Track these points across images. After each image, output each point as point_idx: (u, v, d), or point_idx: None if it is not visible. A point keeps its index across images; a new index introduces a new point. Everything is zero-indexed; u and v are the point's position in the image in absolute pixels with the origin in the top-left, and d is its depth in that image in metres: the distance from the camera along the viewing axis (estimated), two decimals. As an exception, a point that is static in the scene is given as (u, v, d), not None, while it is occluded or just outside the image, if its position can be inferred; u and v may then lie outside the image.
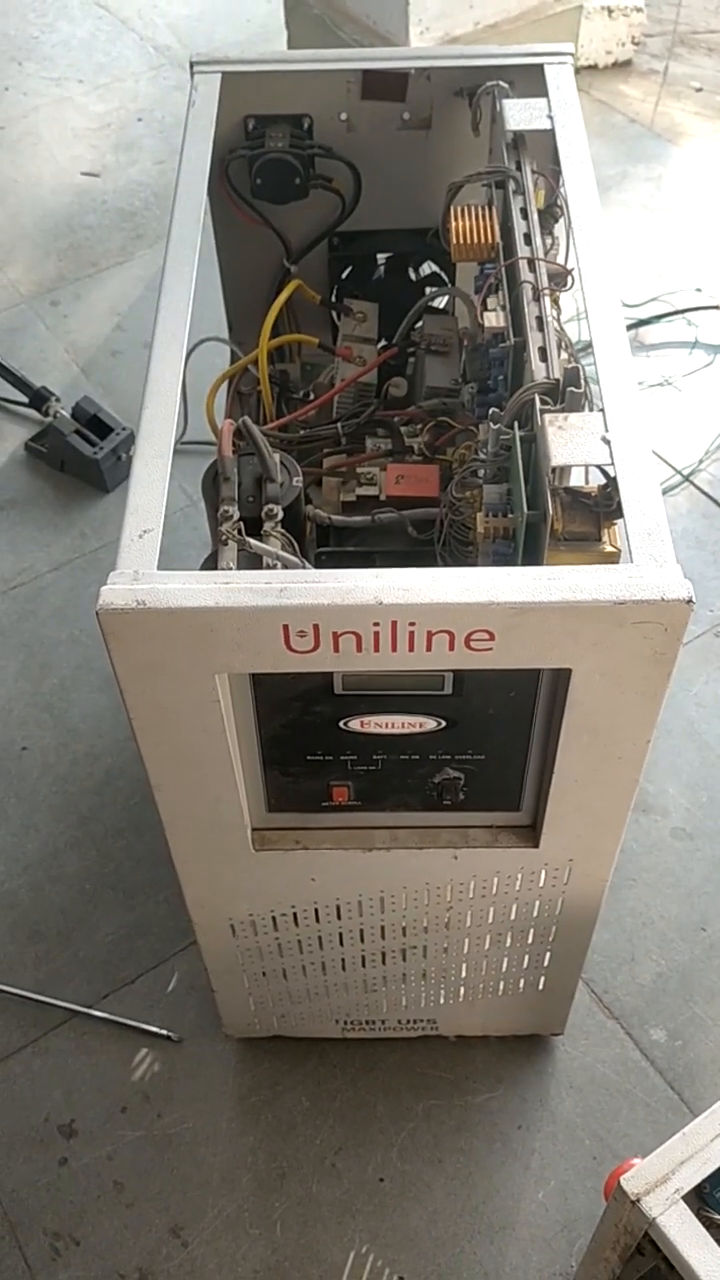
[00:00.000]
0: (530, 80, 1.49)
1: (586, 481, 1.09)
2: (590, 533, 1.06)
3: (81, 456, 2.38)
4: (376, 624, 0.98)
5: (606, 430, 1.08)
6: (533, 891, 1.34)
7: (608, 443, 1.07)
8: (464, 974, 1.52)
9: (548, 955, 1.48)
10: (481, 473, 1.18)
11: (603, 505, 1.07)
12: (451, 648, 1.00)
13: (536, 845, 1.27)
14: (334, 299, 1.69)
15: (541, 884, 1.33)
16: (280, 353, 1.62)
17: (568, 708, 1.07)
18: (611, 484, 1.05)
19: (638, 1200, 0.98)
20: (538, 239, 1.32)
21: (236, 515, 1.14)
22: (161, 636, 0.99)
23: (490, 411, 1.19)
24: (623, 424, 1.08)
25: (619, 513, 1.04)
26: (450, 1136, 1.62)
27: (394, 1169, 1.60)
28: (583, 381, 1.14)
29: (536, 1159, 1.60)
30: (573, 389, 1.13)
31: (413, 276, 1.72)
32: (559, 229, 1.40)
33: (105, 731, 2.08)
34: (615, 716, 1.08)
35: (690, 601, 0.96)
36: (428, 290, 1.70)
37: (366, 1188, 1.59)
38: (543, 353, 1.20)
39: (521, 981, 1.54)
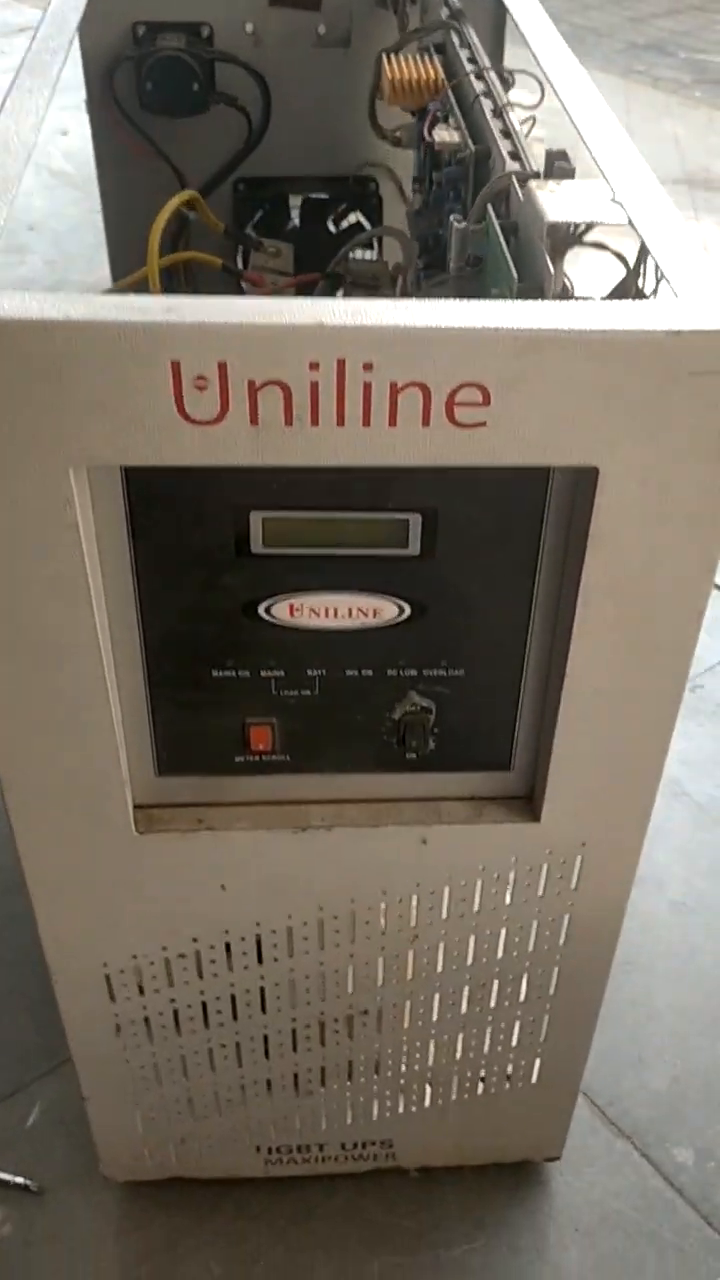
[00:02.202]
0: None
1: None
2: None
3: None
4: (314, 364, 0.65)
5: (615, 196, 0.80)
6: (530, 904, 0.97)
7: (619, 204, 0.79)
8: (431, 1058, 1.11)
9: (546, 1022, 1.09)
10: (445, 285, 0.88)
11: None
12: (426, 421, 0.67)
13: (536, 819, 0.91)
14: (241, 232, 1.42)
15: (542, 887, 0.95)
16: (171, 279, 1.32)
17: (590, 548, 0.73)
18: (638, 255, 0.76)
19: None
20: (492, 78, 1.07)
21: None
22: (-17, 384, 0.64)
23: (451, 218, 0.90)
24: (637, 191, 0.80)
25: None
26: (417, 1307, 1.17)
27: None
28: (573, 163, 0.86)
29: (538, 1333, 1.15)
30: (562, 164, 0.85)
31: (332, 229, 1.47)
32: (516, 93, 1.15)
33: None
34: (657, 563, 0.74)
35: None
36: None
37: None
38: (514, 155, 0.93)
39: (509, 1069, 1.13)
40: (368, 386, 0.65)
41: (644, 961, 1.46)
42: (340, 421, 0.67)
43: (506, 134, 0.96)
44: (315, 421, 0.67)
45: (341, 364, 0.65)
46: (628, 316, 0.65)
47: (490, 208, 0.85)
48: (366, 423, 0.67)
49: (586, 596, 0.76)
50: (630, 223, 0.76)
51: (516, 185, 0.85)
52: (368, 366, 0.65)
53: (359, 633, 0.82)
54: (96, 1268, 1.19)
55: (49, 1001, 1.38)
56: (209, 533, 0.77)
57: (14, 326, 0.62)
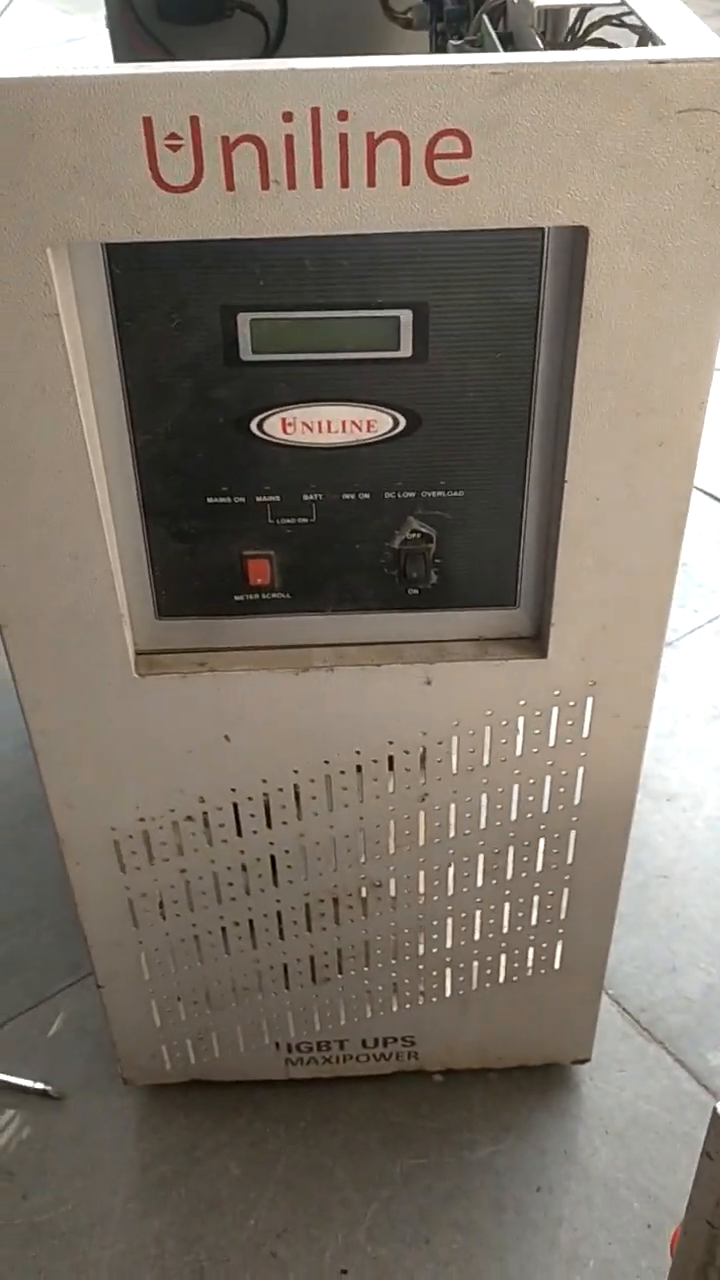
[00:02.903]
0: None
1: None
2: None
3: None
4: (288, 115, 0.64)
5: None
6: (541, 755, 0.94)
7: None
8: (449, 939, 1.08)
9: (565, 897, 1.05)
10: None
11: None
12: (406, 178, 0.66)
13: (543, 655, 0.88)
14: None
15: (553, 735, 0.93)
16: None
17: (584, 323, 0.71)
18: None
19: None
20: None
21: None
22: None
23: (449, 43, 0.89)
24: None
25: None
26: (441, 1206, 1.13)
27: (361, 1255, 1.10)
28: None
29: (567, 1231, 1.11)
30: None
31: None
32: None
33: (-12, 743, 1.66)
34: (655, 341, 0.72)
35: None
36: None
37: (323, 1283, 1.09)
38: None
39: (530, 954, 1.10)
40: (344, 139, 0.64)
41: (679, 874, 1.42)
42: (318, 182, 0.66)
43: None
44: (292, 184, 0.66)
45: (316, 113, 0.63)
46: (609, 54, 0.64)
47: (486, 19, 0.83)
48: (345, 183, 0.66)
49: (584, 384, 0.73)
50: (626, 4, 0.74)
51: None
52: (343, 115, 0.64)
53: (354, 449, 0.81)
54: (115, 1168, 1.17)
55: (71, 920, 1.37)
56: (197, 338, 0.76)
57: (-16, 80, 0.62)
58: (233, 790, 0.95)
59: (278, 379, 0.78)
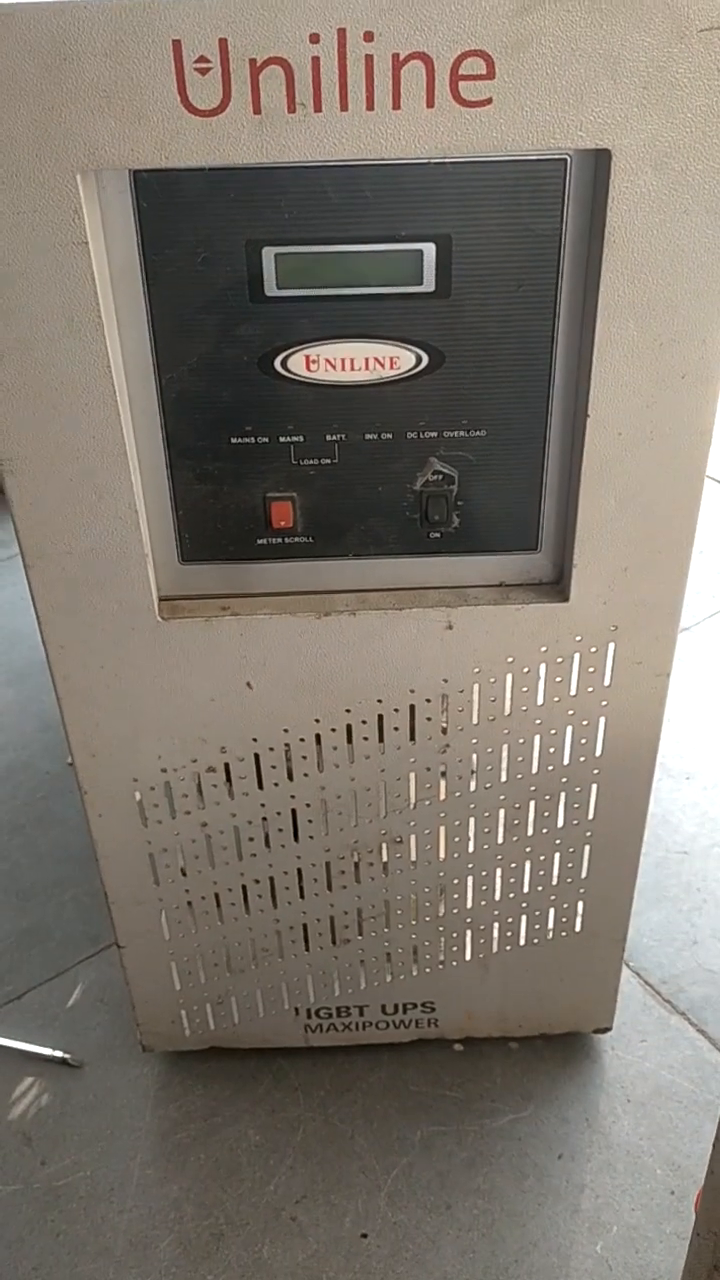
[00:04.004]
0: None
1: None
2: None
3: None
4: (314, 36, 0.65)
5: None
6: (563, 704, 0.94)
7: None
8: (470, 899, 1.08)
9: (586, 856, 1.05)
10: None
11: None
12: (430, 100, 0.67)
13: (565, 599, 0.89)
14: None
15: (575, 684, 0.93)
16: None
17: (607, 249, 0.72)
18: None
19: None
20: None
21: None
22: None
23: None
24: None
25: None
26: (462, 1173, 1.13)
27: (382, 1220, 1.09)
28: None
29: (589, 1197, 1.10)
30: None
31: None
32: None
33: (9, 725, 1.67)
34: (679, 268, 0.73)
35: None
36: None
37: (344, 1247, 1.08)
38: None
39: (551, 916, 1.10)
40: (369, 60, 0.65)
41: (699, 849, 1.42)
42: (343, 105, 0.66)
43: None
44: (318, 106, 0.67)
45: (342, 34, 0.65)
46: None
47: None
48: (370, 106, 0.67)
49: (607, 314, 0.74)
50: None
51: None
52: (368, 37, 0.65)
53: (377, 387, 0.81)
54: (133, 1135, 1.17)
55: (92, 893, 1.38)
56: (223, 273, 0.77)
57: (15, 14, 0.63)
58: (254, 740, 0.96)
59: (302, 315, 0.79)
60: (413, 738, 0.96)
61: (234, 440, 0.84)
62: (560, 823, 1.02)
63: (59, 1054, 1.23)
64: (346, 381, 0.81)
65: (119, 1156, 1.15)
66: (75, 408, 0.78)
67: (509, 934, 1.11)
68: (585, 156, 0.72)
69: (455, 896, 1.08)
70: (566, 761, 0.98)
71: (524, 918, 1.10)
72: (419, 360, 0.80)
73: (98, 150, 0.68)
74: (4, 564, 1.99)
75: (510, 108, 0.67)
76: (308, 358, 0.80)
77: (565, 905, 1.09)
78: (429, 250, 0.76)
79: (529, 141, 0.68)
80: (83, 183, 0.70)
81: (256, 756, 0.97)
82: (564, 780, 0.99)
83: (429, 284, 0.77)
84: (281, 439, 0.84)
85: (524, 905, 1.09)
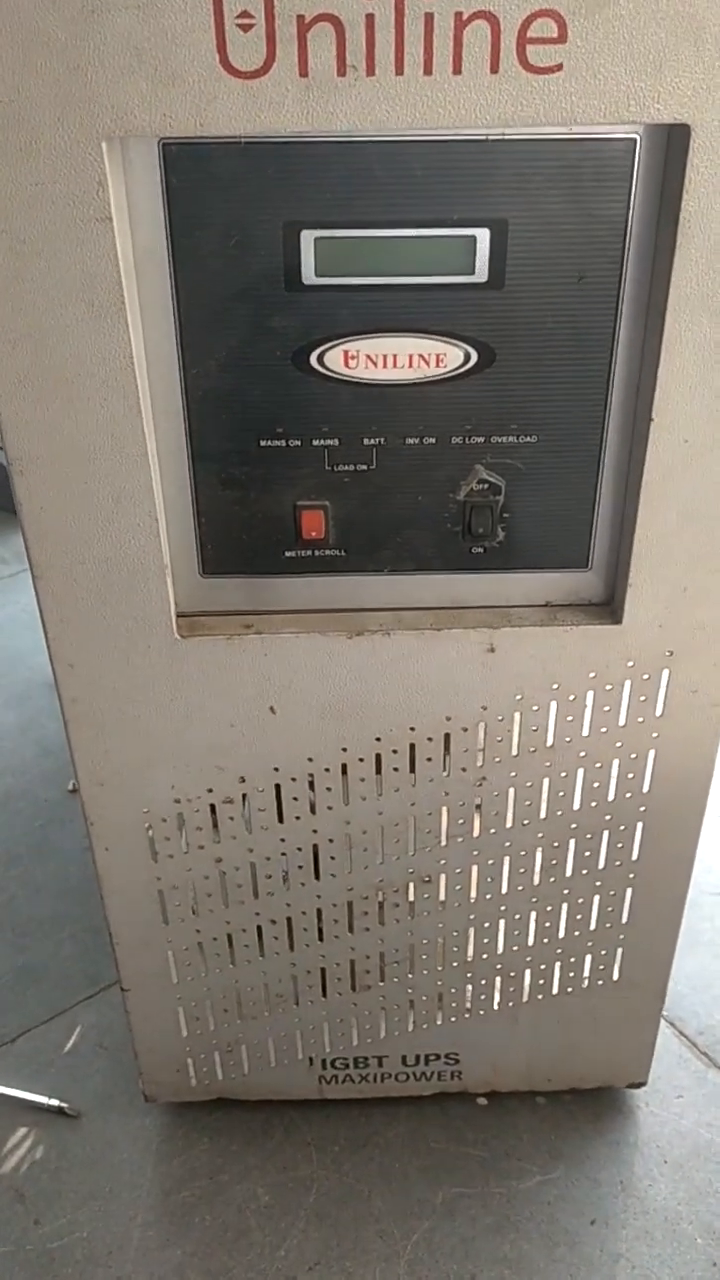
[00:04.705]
0: None
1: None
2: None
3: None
4: (370, -12, 0.59)
5: None
6: (610, 735, 0.87)
7: None
8: (501, 943, 1.00)
9: (628, 899, 0.98)
10: None
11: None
12: (495, 65, 0.61)
13: (617, 621, 0.82)
14: None
15: (624, 714, 0.86)
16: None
17: (681, 236, 0.66)
18: None
19: None
20: None
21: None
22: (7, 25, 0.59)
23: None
24: None
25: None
26: (487, 1239, 1.05)
27: (402, 1291, 1.01)
28: None
29: (625, 1268, 1.02)
30: None
31: None
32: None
33: (7, 750, 1.60)
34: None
35: None
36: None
37: (359, 1320, 1.00)
38: None
39: (587, 963, 1.02)
40: (429, 19, 0.59)
41: (732, 893, 1.35)
42: (399, 69, 0.60)
43: None
44: (371, 70, 0.60)
45: (400, -10, 0.58)
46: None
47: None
48: (428, 70, 0.60)
49: (678, 308, 0.68)
50: None
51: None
52: (428, -11, 0.58)
53: (421, 387, 0.75)
54: (134, 1193, 1.09)
55: (93, 929, 1.30)
56: (257, 259, 0.70)
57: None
58: (275, 769, 0.89)
59: (341, 306, 0.72)
60: (446, 769, 0.89)
61: (263, 443, 0.77)
62: (601, 863, 0.95)
63: (55, 1103, 1.15)
64: (388, 380, 0.75)
65: (118, 1216, 1.07)
66: (93, 403, 0.71)
67: (541, 982, 1.03)
68: (657, 135, 0.66)
69: (485, 940, 1.00)
70: (611, 797, 0.91)
71: (558, 964, 1.02)
72: (467, 358, 0.74)
73: (126, 115, 0.62)
74: (5, 581, 1.92)
75: (581, 75, 0.60)
76: (346, 353, 0.74)
77: (603, 952, 1.01)
78: (483, 236, 0.70)
79: (601, 114, 0.62)
80: (108, 152, 0.63)
81: (278, 787, 0.90)
82: (607, 818, 0.92)
83: (481, 274, 0.71)
84: (315, 442, 0.77)
85: (559, 951, 1.01)
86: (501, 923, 0.99)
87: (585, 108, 0.61)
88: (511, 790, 0.90)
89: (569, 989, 1.04)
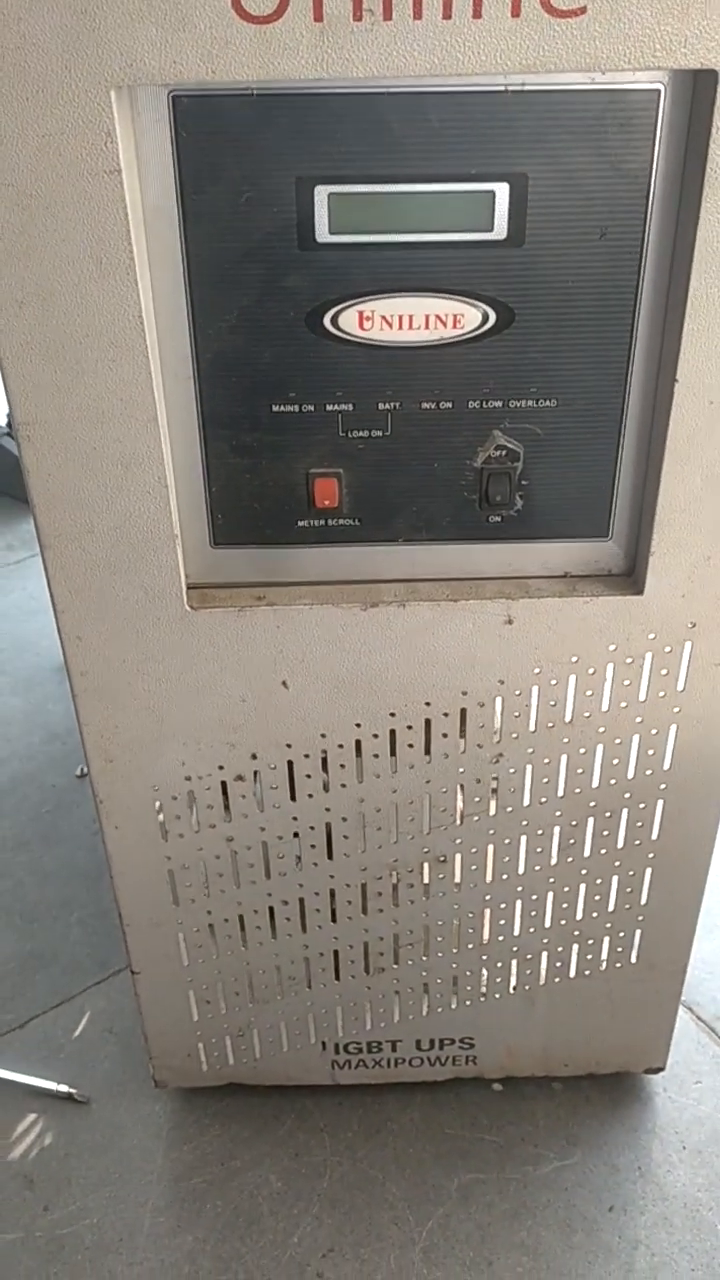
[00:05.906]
0: None
1: None
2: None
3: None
4: (387, -72, 0.57)
5: None
6: (630, 711, 0.85)
7: None
8: (517, 925, 0.99)
9: (647, 879, 0.96)
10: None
11: None
12: (516, 7, 0.59)
13: (639, 591, 0.80)
14: None
15: (645, 688, 0.84)
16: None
17: (708, 186, 0.64)
18: None
19: None
20: None
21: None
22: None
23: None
24: None
25: None
26: (504, 1226, 1.03)
27: (417, 1278, 1.00)
28: None
29: (644, 1255, 1.01)
30: None
31: None
32: None
33: (14, 735, 1.58)
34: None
35: None
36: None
37: (374, 1308, 0.98)
38: None
39: (605, 945, 1.00)
40: (448, -42, 0.57)
41: (750, 877, 1.32)
42: (417, 12, 0.58)
43: None
44: (388, 13, 0.58)
45: None
46: None
47: None
48: (448, 14, 0.58)
49: (704, 263, 0.66)
50: None
51: None
52: (447, -71, 0.56)
53: (437, 349, 0.73)
54: (144, 1179, 1.07)
55: (101, 915, 1.28)
56: (269, 216, 0.68)
57: None
58: (288, 746, 0.87)
59: (356, 265, 0.70)
60: (462, 746, 0.87)
61: (275, 408, 0.75)
62: (620, 843, 0.93)
63: (64, 1088, 1.14)
64: (404, 342, 0.73)
65: (128, 1203, 1.05)
66: (101, 364, 0.69)
67: (558, 964, 1.01)
68: (682, 84, 0.63)
69: (502, 922, 0.98)
70: (631, 775, 0.89)
71: (575, 946, 1.00)
72: (485, 318, 0.72)
73: (135, 62, 0.60)
74: (11, 568, 1.91)
75: (605, 18, 0.58)
76: (361, 314, 0.72)
77: (621, 934, 0.99)
78: (501, 191, 0.68)
79: (625, 59, 0.60)
80: (117, 101, 0.61)
81: (290, 764, 0.88)
82: (627, 795, 0.90)
83: (500, 230, 0.69)
84: (329, 407, 0.75)
85: (576, 933, 0.99)
86: (518, 904, 0.97)
87: (609, 53, 0.59)
88: (529, 767, 0.88)
89: (586, 972, 1.02)
